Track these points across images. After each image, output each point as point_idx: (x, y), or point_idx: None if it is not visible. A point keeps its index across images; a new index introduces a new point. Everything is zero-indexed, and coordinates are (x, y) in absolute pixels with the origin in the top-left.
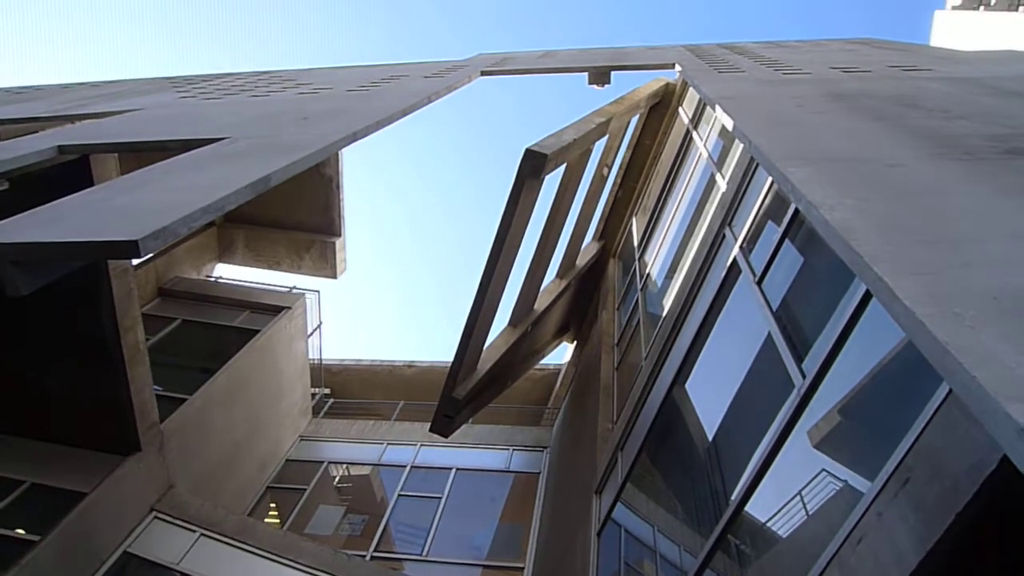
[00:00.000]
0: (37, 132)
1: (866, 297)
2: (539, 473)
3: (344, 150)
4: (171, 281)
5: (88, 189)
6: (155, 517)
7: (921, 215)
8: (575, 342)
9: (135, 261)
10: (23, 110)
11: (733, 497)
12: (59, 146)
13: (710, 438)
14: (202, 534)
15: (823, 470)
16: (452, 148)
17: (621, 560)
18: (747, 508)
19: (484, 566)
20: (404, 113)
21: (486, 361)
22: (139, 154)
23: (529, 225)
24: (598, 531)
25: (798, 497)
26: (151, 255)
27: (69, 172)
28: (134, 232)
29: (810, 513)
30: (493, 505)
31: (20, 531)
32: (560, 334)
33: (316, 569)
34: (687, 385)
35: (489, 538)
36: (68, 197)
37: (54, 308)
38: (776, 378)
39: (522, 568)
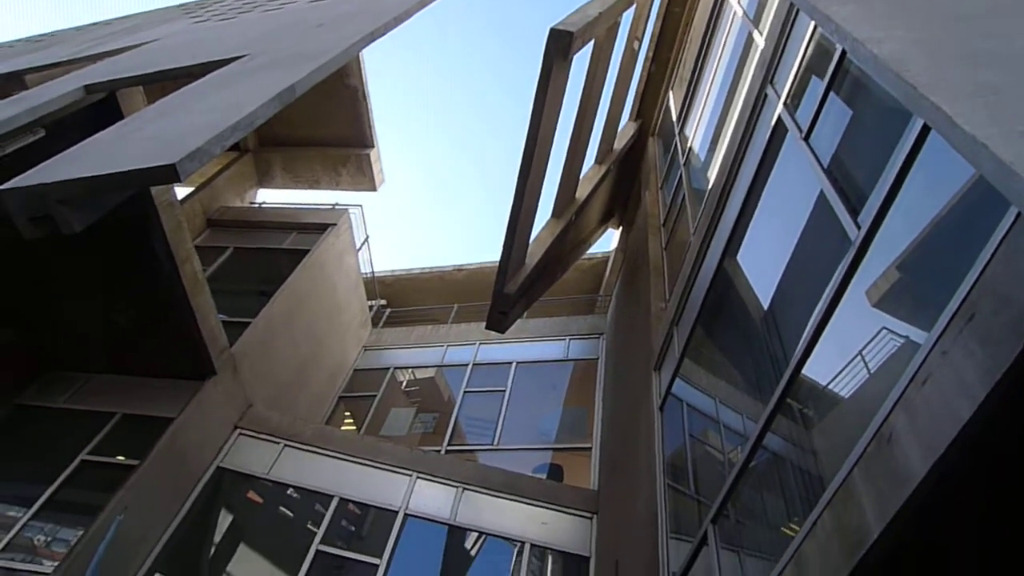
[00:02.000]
0: (61, 77)
1: (920, 136)
2: (597, 358)
3: (365, 59)
4: (217, 211)
5: (120, 122)
6: (240, 434)
7: (978, 39)
8: (620, 227)
9: (180, 195)
10: (45, 56)
11: (791, 361)
12: (85, 86)
13: (765, 305)
14: (285, 445)
15: (883, 327)
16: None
17: (685, 432)
18: (805, 371)
19: (553, 449)
20: (422, 4)
21: (533, 255)
22: (164, 84)
23: (562, 111)
24: (660, 406)
25: (858, 353)
26: (195, 188)
27: (99, 111)
28: (170, 156)
29: (872, 367)
30: (555, 392)
31: (120, 457)
32: (605, 221)
33: (395, 466)
34: (739, 255)
35: (555, 423)
36: (101, 132)
37: (114, 248)
38: (830, 234)
39: (589, 448)
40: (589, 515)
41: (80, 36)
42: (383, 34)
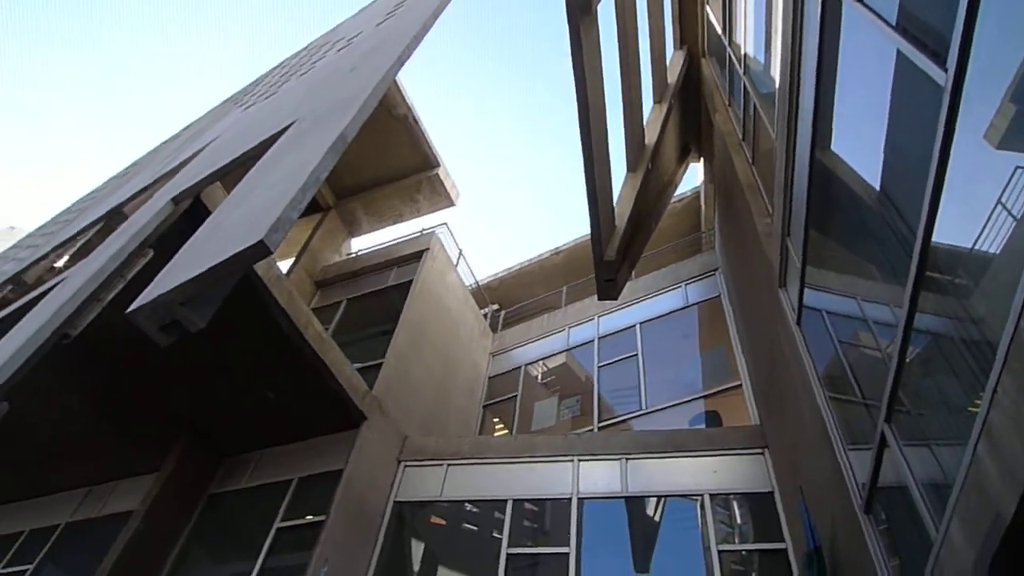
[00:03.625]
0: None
1: None
2: (719, 295)
3: (405, 83)
4: (321, 272)
5: (208, 219)
6: (405, 466)
7: None
8: (701, 158)
9: (284, 268)
10: (133, 186)
11: (918, 234)
12: (172, 199)
13: (874, 184)
14: (448, 464)
15: (1017, 167)
16: (495, 35)
17: (832, 339)
18: (936, 239)
19: (703, 396)
20: (435, 16)
21: (621, 214)
22: (237, 172)
23: (605, 66)
24: (796, 321)
25: (998, 202)
26: (296, 258)
27: (191, 216)
28: (257, 234)
29: (1017, 211)
30: (688, 341)
31: (309, 517)
32: (683, 157)
33: (554, 455)
34: (830, 145)
35: (697, 371)
36: (196, 233)
37: (243, 333)
38: (917, 90)
39: (739, 384)
40: (759, 450)
41: (155, 157)
42: (408, 56)
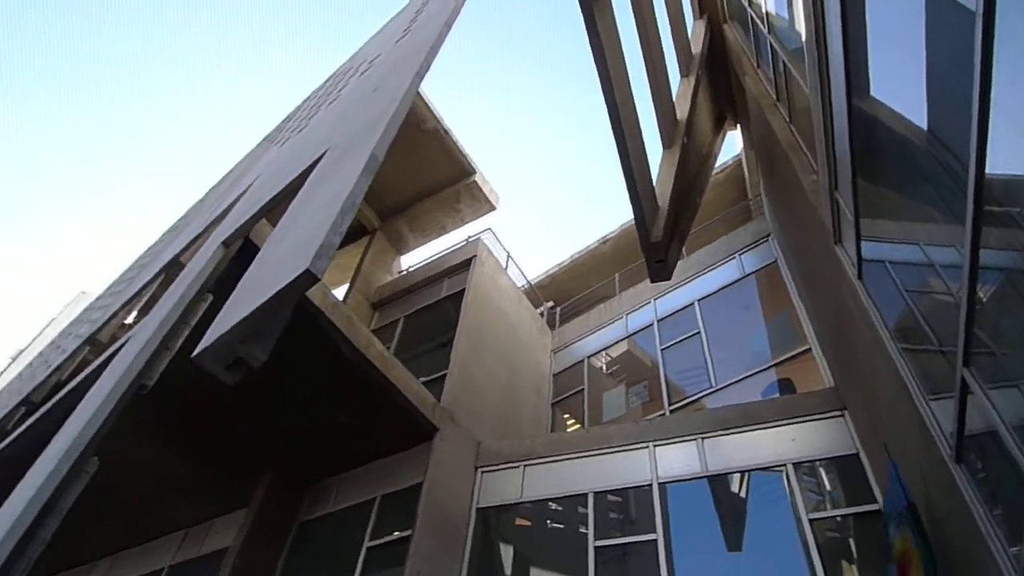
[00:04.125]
0: (204, 245)
1: None
2: (775, 260)
3: (433, 95)
4: (376, 294)
5: (257, 256)
6: (482, 472)
7: None
8: (738, 125)
9: (340, 295)
10: (185, 237)
11: (970, 168)
12: (223, 242)
13: (918, 125)
14: (524, 465)
15: None
16: (508, 30)
17: (899, 289)
18: (990, 171)
19: (774, 365)
20: (448, 25)
21: (662, 194)
22: (277, 209)
23: (624, 46)
24: (857, 276)
25: None
26: (350, 283)
27: (242, 256)
28: (302, 263)
29: None
30: (750, 311)
31: (396, 533)
32: (719, 127)
33: (629, 443)
34: (867, 92)
35: (764, 340)
36: (248, 271)
37: (308, 362)
38: (950, 19)
39: (808, 348)
40: (838, 413)
41: (203, 206)
42: (427, 69)
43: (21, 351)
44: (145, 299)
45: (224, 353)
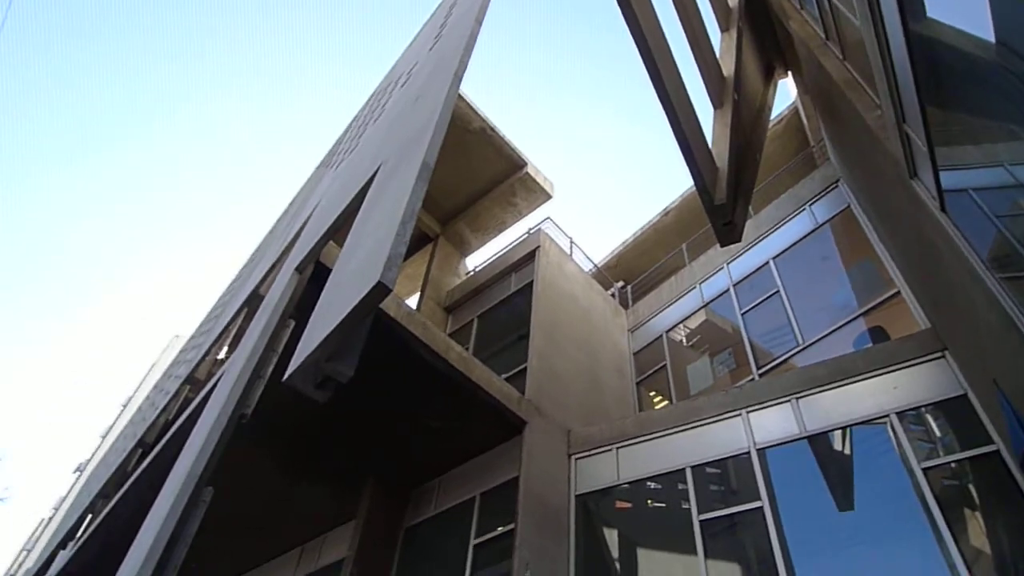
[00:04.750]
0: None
1: None
2: (848, 205)
3: (473, 94)
4: (447, 298)
5: (329, 277)
6: (576, 459)
7: None
8: (788, 72)
9: (412, 304)
10: (261, 268)
11: None
12: (295, 269)
13: (985, 38)
14: (616, 448)
15: None
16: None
17: (988, 217)
18: None
19: (862, 314)
20: (478, 21)
21: (719, 154)
22: (342, 230)
23: (659, 11)
24: (940, 208)
25: None
26: (420, 292)
27: (317, 279)
28: (373, 276)
29: None
30: (830, 261)
31: (499, 528)
32: (769, 78)
33: (720, 413)
34: (924, 14)
35: (848, 290)
36: (322, 294)
37: (393, 374)
38: None
39: (897, 291)
40: (938, 354)
41: (272, 237)
42: (464, 68)
43: (130, 398)
44: (233, 334)
45: (313, 373)
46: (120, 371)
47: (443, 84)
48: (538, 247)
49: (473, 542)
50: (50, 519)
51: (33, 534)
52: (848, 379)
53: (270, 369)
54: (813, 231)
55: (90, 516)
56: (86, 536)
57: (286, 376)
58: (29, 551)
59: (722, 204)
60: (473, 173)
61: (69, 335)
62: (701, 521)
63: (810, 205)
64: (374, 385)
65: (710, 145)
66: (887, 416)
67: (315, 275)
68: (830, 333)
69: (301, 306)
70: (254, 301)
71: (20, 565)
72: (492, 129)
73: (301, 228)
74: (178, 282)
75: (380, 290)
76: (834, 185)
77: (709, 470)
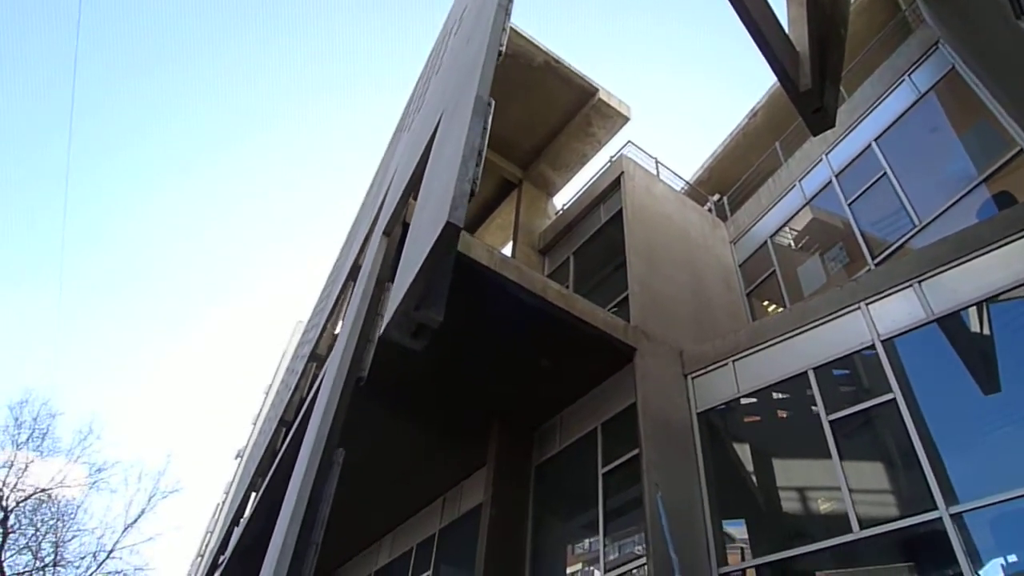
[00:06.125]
0: (372, 240)
1: None
2: (952, 66)
3: (532, 30)
4: (540, 241)
5: (410, 228)
6: (692, 378)
7: None
8: None
9: (507, 250)
10: (359, 239)
11: None
12: (383, 232)
13: None
14: (732, 361)
15: None
16: None
17: None
18: None
19: (983, 180)
20: None
21: (798, 38)
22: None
23: None
24: None
25: None
26: (512, 239)
27: (405, 239)
28: (442, 217)
29: None
30: (939, 132)
31: (625, 455)
32: None
33: (837, 310)
34: None
35: (964, 157)
36: (403, 247)
37: (497, 320)
38: None
39: (1020, 149)
40: None
41: (364, 209)
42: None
43: (270, 384)
44: (344, 307)
45: (404, 322)
46: (260, 361)
47: (489, 15)
48: (622, 173)
49: (601, 471)
50: (224, 502)
51: (213, 517)
52: (975, 252)
53: (378, 332)
54: (916, 102)
55: (253, 494)
56: (252, 512)
57: (382, 330)
58: (211, 532)
59: (808, 90)
60: (545, 110)
61: (207, 334)
62: (831, 421)
63: (909, 75)
64: (482, 336)
65: (787, 30)
66: None
67: (404, 236)
68: (950, 207)
69: (395, 268)
70: (355, 272)
71: (207, 546)
72: (556, 61)
73: (385, 194)
74: (302, 273)
75: (450, 230)
76: (934, 47)
77: (834, 370)
